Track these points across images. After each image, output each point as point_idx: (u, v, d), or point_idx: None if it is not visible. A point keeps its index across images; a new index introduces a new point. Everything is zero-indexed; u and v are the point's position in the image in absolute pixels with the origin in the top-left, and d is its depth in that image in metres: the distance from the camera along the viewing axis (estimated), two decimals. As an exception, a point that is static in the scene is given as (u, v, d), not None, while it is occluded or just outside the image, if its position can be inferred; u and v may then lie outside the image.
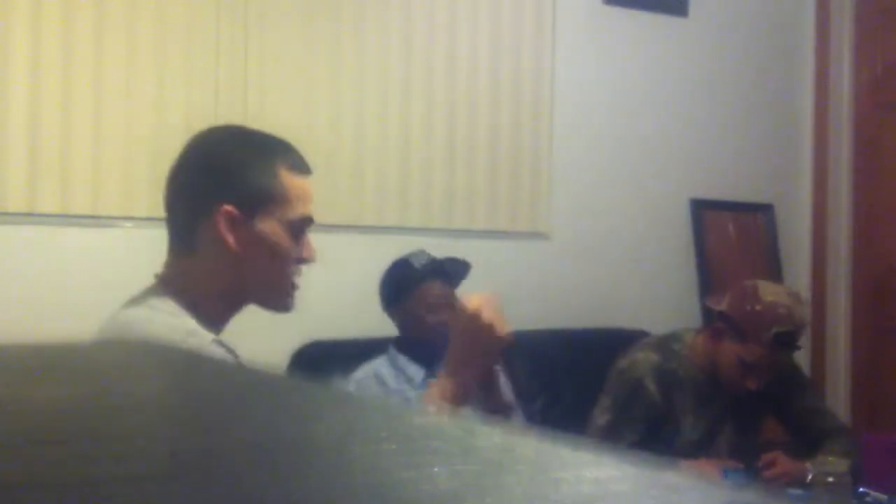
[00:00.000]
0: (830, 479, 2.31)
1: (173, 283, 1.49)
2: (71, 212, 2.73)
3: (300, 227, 1.50)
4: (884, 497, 2.14)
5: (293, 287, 1.52)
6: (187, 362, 0.74)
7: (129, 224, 2.77)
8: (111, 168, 2.77)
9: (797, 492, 2.30)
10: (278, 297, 1.52)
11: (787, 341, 2.44)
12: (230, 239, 1.45)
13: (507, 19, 3.40)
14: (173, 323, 1.42)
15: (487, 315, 1.60)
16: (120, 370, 0.67)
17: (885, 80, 3.93)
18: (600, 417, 2.55)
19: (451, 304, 2.66)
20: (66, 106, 2.71)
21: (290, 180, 1.48)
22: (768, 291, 2.50)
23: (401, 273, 2.67)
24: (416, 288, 2.62)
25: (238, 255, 1.45)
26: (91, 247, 2.75)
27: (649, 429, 2.52)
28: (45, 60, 2.68)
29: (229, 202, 1.44)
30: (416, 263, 2.64)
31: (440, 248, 2.79)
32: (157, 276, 1.52)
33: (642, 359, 2.56)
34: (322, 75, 3.08)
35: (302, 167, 1.50)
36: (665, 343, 2.61)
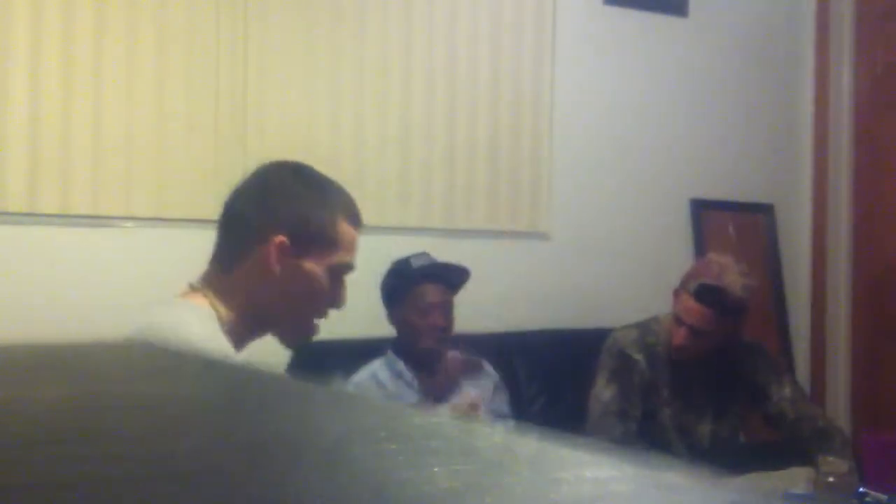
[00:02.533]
0: (831, 479, 2.31)
1: (209, 294, 1.52)
2: (71, 212, 2.73)
3: (341, 272, 1.56)
4: (884, 497, 2.14)
5: (314, 330, 1.58)
6: (187, 362, 0.74)
7: (129, 224, 2.76)
8: (111, 168, 2.76)
9: (797, 492, 2.30)
10: (297, 334, 1.58)
11: (710, 296, 2.49)
12: (276, 268, 1.50)
13: (506, 20, 3.40)
14: (198, 332, 1.45)
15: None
16: (120, 370, 0.67)
17: (885, 80, 3.93)
18: (604, 393, 2.59)
19: (447, 309, 2.67)
20: (65, 106, 2.71)
21: (345, 230, 1.54)
22: (714, 257, 2.66)
23: (398, 272, 2.67)
24: (412, 289, 2.62)
25: (277, 284, 1.51)
26: (91, 247, 2.75)
27: (644, 399, 2.59)
28: (46, 60, 2.68)
29: (284, 234, 1.50)
30: (415, 264, 2.64)
31: (440, 249, 2.80)
32: (191, 284, 1.54)
33: (622, 334, 2.66)
34: (322, 75, 3.08)
35: (358, 220, 1.58)
36: (643, 323, 2.70)
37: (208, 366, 0.75)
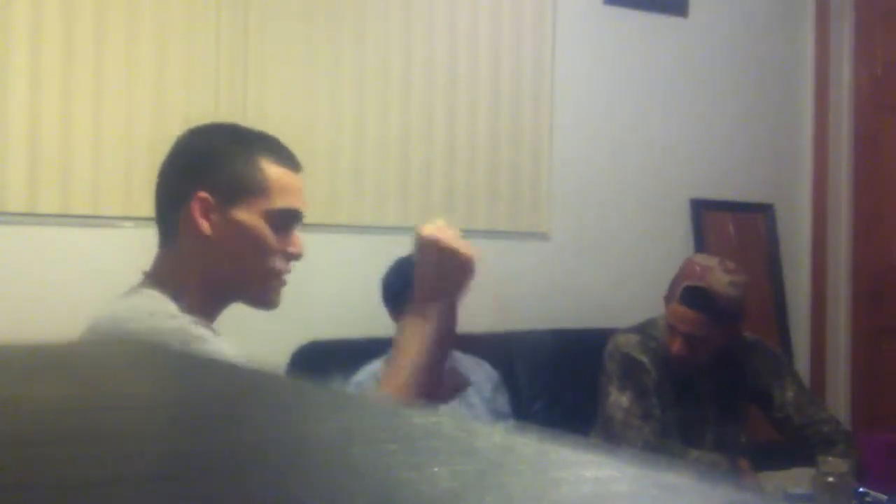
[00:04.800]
0: (831, 479, 2.31)
1: (157, 277, 1.48)
2: (71, 212, 2.73)
3: (283, 220, 1.47)
4: (884, 497, 2.14)
5: (277, 282, 1.48)
6: (187, 363, 0.74)
7: (129, 224, 2.76)
8: (111, 168, 2.77)
9: (797, 492, 2.30)
10: (259, 291, 1.48)
11: (697, 299, 2.46)
12: (204, 225, 1.43)
13: (507, 19, 3.40)
14: (152, 309, 1.40)
15: (448, 239, 1.52)
16: (119, 370, 0.67)
17: (885, 80, 3.93)
18: (621, 400, 2.55)
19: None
20: (66, 106, 2.71)
21: (271, 171, 1.46)
22: (696, 259, 2.64)
23: (399, 271, 2.66)
24: (412, 288, 2.61)
25: (213, 243, 1.44)
26: (91, 247, 2.75)
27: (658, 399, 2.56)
28: (46, 60, 2.68)
29: (205, 189, 1.44)
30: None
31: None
32: (144, 272, 1.52)
33: (624, 339, 2.63)
34: (322, 75, 3.08)
35: (286, 160, 1.48)
36: (642, 326, 2.67)
37: (208, 366, 0.75)
